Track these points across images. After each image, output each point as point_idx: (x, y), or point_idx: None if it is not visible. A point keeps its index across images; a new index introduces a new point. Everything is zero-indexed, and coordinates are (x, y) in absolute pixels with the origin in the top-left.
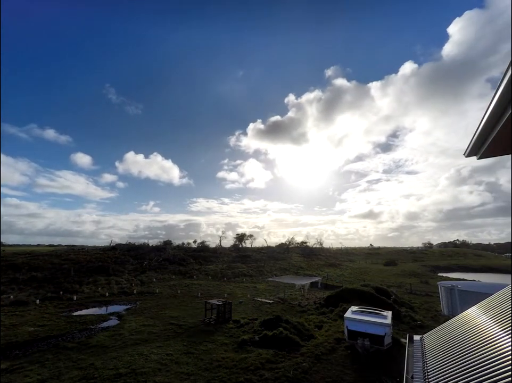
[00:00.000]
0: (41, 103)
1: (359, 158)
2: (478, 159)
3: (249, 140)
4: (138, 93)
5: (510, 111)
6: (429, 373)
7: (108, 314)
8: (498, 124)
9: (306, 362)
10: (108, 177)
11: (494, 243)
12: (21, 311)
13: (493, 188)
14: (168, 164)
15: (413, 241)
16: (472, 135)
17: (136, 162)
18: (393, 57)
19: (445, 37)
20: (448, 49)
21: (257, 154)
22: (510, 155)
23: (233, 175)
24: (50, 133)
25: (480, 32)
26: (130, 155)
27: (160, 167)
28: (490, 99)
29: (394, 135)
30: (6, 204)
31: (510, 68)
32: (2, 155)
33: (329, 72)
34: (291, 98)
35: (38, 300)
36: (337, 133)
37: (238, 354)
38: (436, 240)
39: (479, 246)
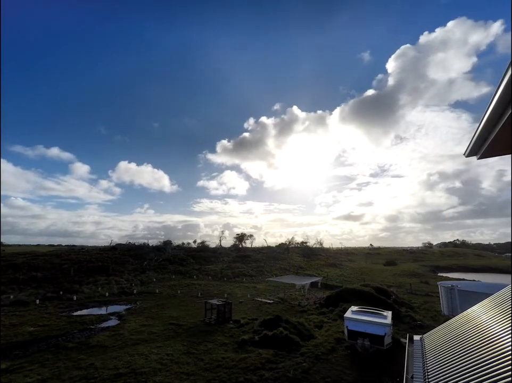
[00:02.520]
0: (44, 122)
1: (348, 163)
2: (478, 159)
3: (220, 157)
4: (123, 124)
5: (510, 111)
6: (429, 373)
7: (108, 314)
8: (498, 124)
9: (306, 362)
10: (105, 184)
11: (494, 243)
12: (21, 311)
13: (461, 192)
14: (160, 173)
15: (410, 241)
16: (473, 135)
17: (129, 170)
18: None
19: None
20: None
21: (232, 166)
22: (510, 155)
23: (214, 184)
24: (54, 151)
25: (410, 66)
26: (124, 164)
27: (152, 176)
28: (490, 99)
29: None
30: (10, 205)
31: (510, 68)
32: (10, 166)
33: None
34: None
35: (38, 300)
36: (316, 141)
37: (238, 354)
38: (431, 240)
39: (479, 246)
